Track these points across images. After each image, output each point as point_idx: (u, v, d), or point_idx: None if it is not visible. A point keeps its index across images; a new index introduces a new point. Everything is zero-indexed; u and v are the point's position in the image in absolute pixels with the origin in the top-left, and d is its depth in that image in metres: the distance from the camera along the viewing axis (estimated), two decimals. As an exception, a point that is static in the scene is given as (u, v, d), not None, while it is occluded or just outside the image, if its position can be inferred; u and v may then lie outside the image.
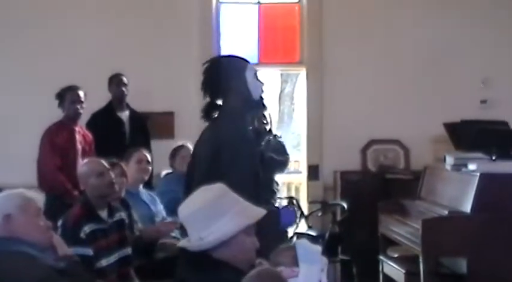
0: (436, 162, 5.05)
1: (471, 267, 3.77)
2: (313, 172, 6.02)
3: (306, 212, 5.66)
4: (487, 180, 3.90)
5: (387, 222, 4.67)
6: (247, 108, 2.87)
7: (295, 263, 2.34)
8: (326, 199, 5.76)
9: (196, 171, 2.87)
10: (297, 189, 6.72)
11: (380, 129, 5.97)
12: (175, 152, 4.68)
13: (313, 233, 5.17)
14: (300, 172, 6.52)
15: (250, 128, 2.97)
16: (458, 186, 4.16)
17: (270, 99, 11.53)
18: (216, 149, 2.78)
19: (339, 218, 5.32)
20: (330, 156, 6.00)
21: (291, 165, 8.84)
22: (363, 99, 6.00)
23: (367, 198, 5.36)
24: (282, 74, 8.71)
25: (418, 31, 5.95)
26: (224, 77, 2.83)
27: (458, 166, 4.27)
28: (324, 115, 6.11)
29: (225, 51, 6.29)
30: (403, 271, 4.22)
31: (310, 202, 5.87)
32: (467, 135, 4.60)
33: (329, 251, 4.55)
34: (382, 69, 6.02)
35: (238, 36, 6.36)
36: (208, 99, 2.90)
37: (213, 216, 2.15)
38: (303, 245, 2.41)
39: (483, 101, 5.90)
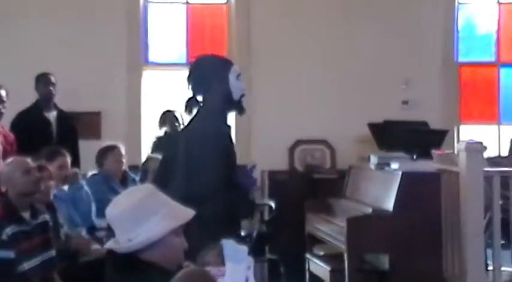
0: (360, 162, 5.17)
1: (393, 263, 3.87)
2: (242, 172, 6.03)
3: (234, 212, 5.66)
4: (408, 179, 4.02)
5: (314, 221, 4.74)
6: (227, 108, 2.97)
7: (222, 262, 2.35)
8: (254, 199, 5.78)
9: (177, 171, 2.92)
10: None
11: (307, 129, 6.06)
12: (106, 153, 4.58)
13: (241, 233, 5.18)
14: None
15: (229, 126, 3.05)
16: (382, 185, 4.27)
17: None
18: (193, 148, 2.85)
19: (266, 217, 5.36)
20: (257, 156, 6.03)
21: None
22: (290, 99, 6.08)
23: (294, 197, 5.42)
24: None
25: (343, 33, 6.07)
26: (208, 76, 2.93)
27: (382, 165, 4.38)
28: (252, 115, 6.13)
29: (152, 51, 6.25)
30: (329, 269, 4.29)
31: (239, 202, 5.88)
32: (389, 136, 4.74)
33: (256, 251, 4.57)
34: (308, 70, 6.11)
35: (166, 36, 6.32)
36: (191, 93, 3.01)
37: (142, 217, 2.13)
38: (229, 244, 2.42)
39: (405, 102, 6.08)
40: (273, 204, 5.37)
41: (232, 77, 2.94)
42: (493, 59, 6.33)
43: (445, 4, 6.17)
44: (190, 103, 2.97)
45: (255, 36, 6.12)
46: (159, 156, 4.33)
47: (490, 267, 4.08)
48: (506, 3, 6.32)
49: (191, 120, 3.03)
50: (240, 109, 3.02)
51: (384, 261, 3.99)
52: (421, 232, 3.94)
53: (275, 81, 6.11)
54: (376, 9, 6.10)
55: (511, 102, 6.37)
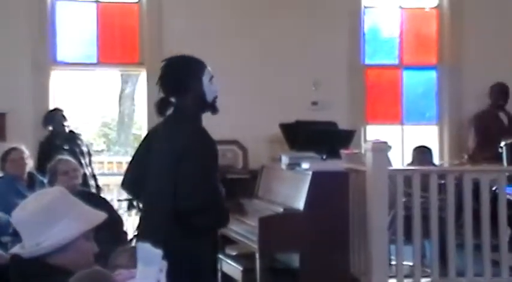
0: (272, 162, 5.24)
1: (303, 262, 3.96)
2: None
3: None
4: (318, 178, 4.11)
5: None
6: (201, 110, 2.95)
7: (134, 265, 2.33)
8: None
9: (161, 175, 2.84)
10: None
11: (218, 129, 6.05)
12: (7, 155, 4.44)
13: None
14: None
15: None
16: (293, 185, 4.35)
17: (109, 100, 11.34)
18: (181, 153, 2.78)
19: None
20: (170, 158, 6.01)
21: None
22: (203, 100, 6.09)
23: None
24: (122, 75, 8.57)
25: (254, 35, 6.15)
26: (181, 77, 2.89)
27: (293, 165, 4.46)
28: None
29: (61, 50, 6.10)
30: (241, 268, 4.33)
31: (151, 203, 5.83)
32: (300, 136, 4.84)
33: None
34: (220, 71, 6.12)
35: (75, 35, 6.18)
36: (161, 95, 2.92)
37: (50, 220, 2.08)
38: (143, 247, 2.41)
39: (314, 103, 6.23)
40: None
41: (205, 79, 2.93)
42: (396, 61, 6.60)
43: (351, 8, 6.38)
44: (162, 104, 2.90)
45: (167, 37, 6.09)
46: (68, 158, 4.25)
47: (394, 262, 4.26)
48: (408, 8, 6.60)
49: (165, 122, 2.95)
50: (213, 110, 3.01)
51: (295, 260, 4.07)
52: (330, 230, 4.04)
53: (187, 82, 6.10)
54: (284, 12, 6.22)
55: (413, 104, 6.68)
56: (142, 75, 6.29)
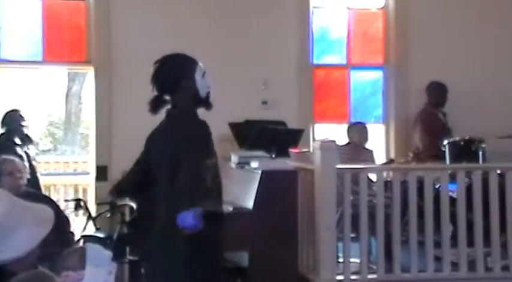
0: (222, 161, 5.24)
1: (252, 260, 3.99)
2: (101, 173, 5.93)
3: (93, 214, 5.56)
4: (267, 177, 4.14)
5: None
6: (196, 106, 3.00)
7: (83, 266, 2.31)
8: (114, 200, 5.70)
9: (162, 171, 2.88)
10: (84, 191, 6.57)
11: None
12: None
13: (101, 235, 5.10)
14: (88, 173, 6.38)
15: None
16: (242, 184, 4.37)
17: (56, 98, 11.11)
18: (184, 150, 2.83)
19: (128, 218, 5.30)
20: (118, 157, 5.95)
21: (79, 167, 8.61)
22: (152, 100, 6.05)
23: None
24: (69, 73, 8.42)
25: (204, 33, 6.14)
26: (175, 75, 2.93)
27: (242, 164, 4.48)
28: (113, 115, 6.05)
29: (5, 48, 5.96)
30: (190, 268, 4.33)
31: (99, 203, 5.77)
32: (249, 135, 4.86)
33: (117, 252, 4.52)
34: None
35: (20, 33, 6.05)
36: (155, 93, 2.97)
37: (5, 232, 2.02)
38: (93, 248, 2.40)
39: (264, 102, 6.27)
40: (134, 205, 5.32)
41: (198, 76, 2.96)
42: (344, 61, 6.70)
43: (300, 8, 6.44)
44: (156, 102, 2.94)
45: (115, 35, 6.03)
46: (13, 158, 4.16)
47: (341, 259, 4.33)
48: (355, 9, 6.71)
49: (160, 124, 3.01)
50: (207, 105, 3.06)
51: (244, 259, 4.09)
52: (279, 228, 4.07)
53: (136, 81, 6.03)
54: (234, 11, 6.23)
55: (361, 103, 6.79)
56: (90, 73, 6.20)
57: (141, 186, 3.06)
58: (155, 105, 2.95)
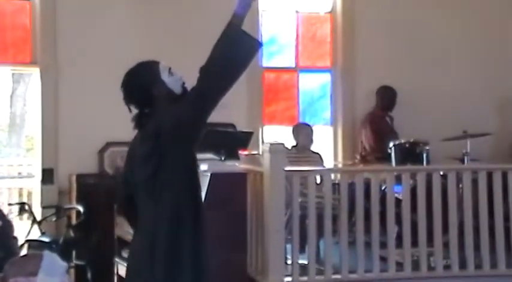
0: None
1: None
2: (47, 176, 5.82)
3: (39, 218, 5.45)
4: (217, 180, 4.16)
5: (123, 224, 4.70)
6: (175, 102, 2.81)
7: (35, 273, 2.27)
8: (61, 203, 5.62)
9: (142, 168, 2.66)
10: (29, 195, 6.43)
11: (117, 131, 5.96)
12: None
13: (46, 239, 5.00)
14: (33, 176, 6.25)
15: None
16: (191, 186, 4.36)
17: (0, 100, 10.83)
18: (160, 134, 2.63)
19: (74, 222, 5.23)
20: (65, 160, 5.86)
21: (23, 170, 8.41)
22: (99, 101, 5.97)
23: (103, 200, 5.35)
24: (13, 74, 8.23)
25: (149, 33, 6.08)
26: (143, 88, 2.80)
27: (191, 167, 4.47)
28: (59, 117, 5.95)
29: None
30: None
31: (44, 207, 5.66)
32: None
33: (63, 257, 4.44)
34: (117, 72, 6.02)
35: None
36: (136, 110, 2.81)
37: None
38: (50, 257, 2.36)
39: (215, 105, 6.25)
40: (81, 209, 5.24)
41: (164, 76, 2.85)
42: (293, 64, 6.76)
43: (249, 11, 6.44)
44: (140, 118, 2.79)
45: (60, 36, 5.93)
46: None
47: (289, 261, 4.36)
48: (303, 13, 6.78)
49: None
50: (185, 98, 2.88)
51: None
52: (228, 230, 4.09)
53: (83, 82, 5.97)
54: (180, 13, 6.21)
55: (309, 105, 6.87)
56: (35, 74, 6.08)
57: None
58: (139, 121, 2.80)
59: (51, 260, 2.31)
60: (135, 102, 2.82)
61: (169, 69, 2.91)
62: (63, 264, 2.33)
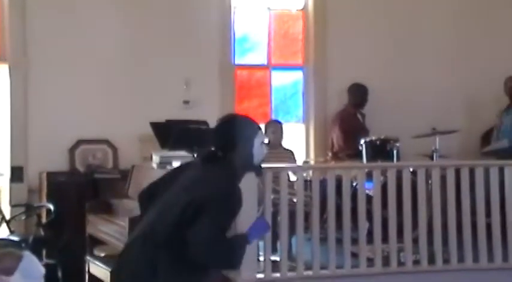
0: (143, 161, 5.21)
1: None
2: (16, 174, 5.76)
3: (8, 217, 5.39)
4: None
5: (95, 222, 4.69)
6: (245, 170, 2.96)
7: (9, 272, 2.26)
8: (31, 202, 5.56)
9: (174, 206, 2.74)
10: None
11: (88, 129, 5.95)
12: None
13: (15, 238, 4.95)
14: (2, 174, 6.16)
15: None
16: (163, 184, 4.34)
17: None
18: (204, 201, 2.71)
19: (44, 220, 5.18)
20: (35, 157, 5.80)
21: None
22: (70, 99, 5.93)
23: (75, 199, 5.32)
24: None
25: (125, 31, 6.06)
26: (235, 137, 2.88)
27: (164, 164, 4.47)
28: (29, 114, 5.89)
29: None
30: (109, 269, 4.28)
31: (13, 205, 5.60)
32: (171, 135, 4.85)
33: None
34: (88, 69, 6.01)
35: None
36: (212, 148, 2.92)
37: None
38: (29, 259, 2.35)
39: (186, 102, 6.25)
40: (51, 207, 5.20)
41: (257, 143, 2.92)
42: (265, 62, 6.78)
43: (221, 8, 6.46)
44: (211, 157, 2.90)
45: (31, 33, 5.86)
46: None
47: (262, 258, 4.38)
48: (275, 10, 6.80)
49: (203, 163, 2.91)
50: (257, 172, 3.13)
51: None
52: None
53: (53, 80, 5.91)
54: (155, 10, 6.19)
55: (281, 103, 6.90)
56: (4, 70, 5.99)
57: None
58: (208, 158, 2.91)
59: (31, 262, 2.29)
60: (218, 142, 2.91)
61: (263, 141, 2.99)
62: (42, 269, 2.31)
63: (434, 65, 6.85)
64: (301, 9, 6.83)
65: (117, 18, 6.05)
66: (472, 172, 4.71)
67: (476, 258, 4.66)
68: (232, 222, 2.85)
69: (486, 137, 6.67)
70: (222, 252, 2.73)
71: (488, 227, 4.71)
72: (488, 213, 4.72)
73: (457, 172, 4.69)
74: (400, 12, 6.83)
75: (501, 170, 4.76)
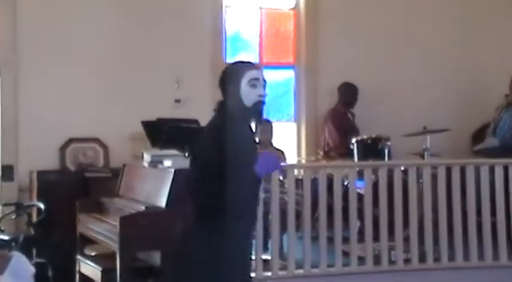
0: (134, 160, 5.20)
1: (165, 259, 3.98)
2: (7, 173, 5.73)
3: (-2, 216, 5.36)
4: (180, 176, 4.14)
5: (86, 221, 4.67)
6: (241, 114, 2.83)
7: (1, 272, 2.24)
8: (21, 200, 5.52)
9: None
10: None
11: (79, 127, 5.93)
12: None
13: (5, 237, 4.91)
14: (-8, 173, 6.14)
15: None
16: (155, 183, 4.35)
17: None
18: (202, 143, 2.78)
19: (35, 219, 5.15)
20: (26, 156, 5.77)
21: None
22: (61, 97, 5.90)
23: (65, 197, 5.28)
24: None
25: (117, 30, 6.03)
26: (225, 81, 2.86)
27: (155, 163, 4.47)
28: (20, 113, 5.85)
29: None
30: (100, 269, 4.27)
31: (4, 204, 5.56)
32: (162, 133, 4.84)
33: (24, 255, 4.39)
34: (80, 67, 5.98)
35: None
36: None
37: None
38: (19, 259, 2.34)
39: (177, 100, 6.24)
40: (42, 206, 5.17)
41: (244, 84, 2.81)
42: (256, 60, 6.78)
43: (212, 7, 6.45)
44: (217, 105, 2.90)
45: (21, 32, 5.83)
46: None
47: (253, 256, 4.38)
48: (267, 9, 6.80)
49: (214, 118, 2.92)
50: (255, 118, 2.89)
51: (156, 257, 4.08)
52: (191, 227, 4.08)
53: (44, 78, 5.88)
54: (146, 8, 6.17)
55: (273, 101, 6.89)
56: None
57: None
58: (214, 110, 2.91)
59: (20, 263, 2.28)
60: (219, 88, 2.90)
61: (252, 79, 2.84)
62: (32, 269, 2.30)
63: (426, 64, 6.87)
64: (293, 8, 6.83)
65: (108, 17, 6.02)
66: (463, 171, 4.73)
67: (467, 257, 4.68)
68: (225, 157, 2.67)
69: (477, 136, 6.70)
70: (215, 189, 2.66)
71: (479, 225, 4.73)
72: (479, 212, 4.74)
73: (448, 171, 4.71)
74: (391, 11, 6.85)
75: (491, 169, 4.79)
